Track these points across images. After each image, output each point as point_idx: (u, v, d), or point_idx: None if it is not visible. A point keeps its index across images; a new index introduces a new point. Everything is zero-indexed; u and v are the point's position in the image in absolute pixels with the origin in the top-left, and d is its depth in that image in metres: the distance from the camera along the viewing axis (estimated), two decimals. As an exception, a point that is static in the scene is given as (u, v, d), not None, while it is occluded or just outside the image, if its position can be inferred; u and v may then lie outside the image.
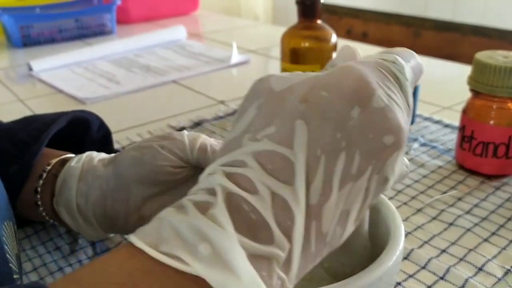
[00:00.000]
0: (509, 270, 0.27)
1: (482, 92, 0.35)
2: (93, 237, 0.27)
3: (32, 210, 0.28)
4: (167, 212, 0.14)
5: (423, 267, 0.27)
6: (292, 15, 0.53)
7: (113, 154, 0.27)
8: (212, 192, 0.14)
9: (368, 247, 0.22)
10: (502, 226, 0.31)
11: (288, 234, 0.14)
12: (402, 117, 0.15)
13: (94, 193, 0.25)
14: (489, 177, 0.36)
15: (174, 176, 0.25)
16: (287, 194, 0.14)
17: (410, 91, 0.17)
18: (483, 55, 0.35)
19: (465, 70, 0.61)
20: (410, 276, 0.27)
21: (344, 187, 0.14)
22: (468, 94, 0.37)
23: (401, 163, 0.16)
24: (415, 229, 0.31)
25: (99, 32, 0.87)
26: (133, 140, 0.45)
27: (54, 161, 0.28)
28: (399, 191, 0.35)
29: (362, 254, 0.22)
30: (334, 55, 0.50)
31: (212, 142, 0.25)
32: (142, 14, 0.98)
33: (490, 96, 0.35)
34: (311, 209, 0.14)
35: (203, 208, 0.13)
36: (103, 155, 0.27)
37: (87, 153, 0.27)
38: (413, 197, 0.34)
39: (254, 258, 0.13)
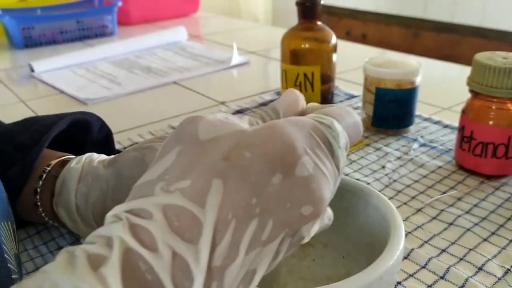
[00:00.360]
0: (509, 269, 0.27)
1: (481, 93, 0.35)
2: None
3: (32, 211, 0.28)
4: (56, 265, 0.12)
5: (423, 267, 0.27)
6: (292, 17, 0.54)
7: (113, 156, 0.27)
8: (110, 243, 0.13)
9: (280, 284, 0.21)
10: (501, 226, 0.31)
11: None
12: (325, 186, 0.15)
13: (94, 194, 0.25)
14: (489, 177, 0.36)
15: None
16: (189, 255, 0.13)
17: (341, 157, 0.16)
18: (482, 56, 0.35)
19: (465, 71, 0.61)
20: (411, 275, 0.27)
21: (251, 252, 0.14)
22: (467, 95, 0.37)
23: (321, 222, 0.16)
24: (415, 229, 0.31)
25: (100, 33, 0.88)
26: (134, 141, 0.45)
27: (54, 162, 0.28)
28: (399, 191, 0.35)
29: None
30: (334, 56, 0.50)
31: None
32: (142, 16, 0.99)
33: (489, 97, 0.35)
34: (213, 271, 0.13)
35: (96, 263, 0.12)
36: (103, 156, 0.27)
37: (87, 154, 0.28)
38: (413, 197, 0.35)
39: None
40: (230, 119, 0.16)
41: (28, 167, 0.27)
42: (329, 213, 0.17)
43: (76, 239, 0.30)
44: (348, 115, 0.18)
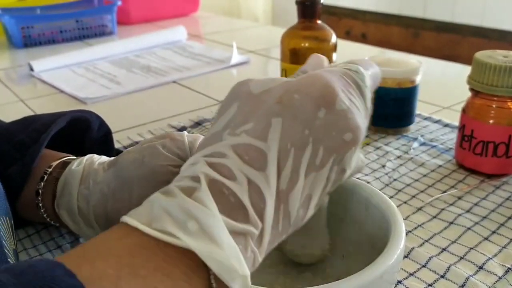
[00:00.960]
0: (509, 268, 0.27)
1: (482, 92, 0.35)
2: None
3: (33, 212, 0.28)
4: (156, 196, 0.16)
5: (424, 266, 0.27)
6: (291, 16, 0.53)
7: (113, 158, 0.27)
8: (196, 179, 0.16)
9: (326, 231, 0.23)
10: (502, 225, 0.31)
11: (261, 214, 0.16)
12: (360, 118, 0.18)
13: (95, 197, 0.25)
14: (489, 176, 0.36)
15: (175, 175, 0.25)
16: (261, 181, 0.16)
17: (369, 96, 0.20)
18: (483, 55, 0.35)
19: (465, 70, 0.61)
20: (411, 274, 0.27)
21: (308, 176, 0.17)
22: (467, 94, 0.37)
23: (358, 157, 0.19)
24: (415, 228, 0.31)
25: (100, 33, 0.88)
26: (133, 140, 0.45)
27: (55, 163, 0.28)
28: (399, 190, 0.35)
29: (320, 237, 0.23)
30: (334, 55, 0.50)
31: None
32: (142, 15, 0.99)
33: (490, 96, 0.35)
34: (280, 194, 0.16)
35: (189, 192, 0.15)
36: (104, 158, 0.27)
37: (88, 156, 0.28)
38: (413, 196, 0.34)
39: (234, 234, 0.15)
40: (275, 77, 0.19)
41: (28, 166, 0.27)
42: (361, 156, 0.20)
43: (76, 239, 0.30)
44: (368, 63, 0.21)
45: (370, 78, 0.20)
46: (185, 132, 0.26)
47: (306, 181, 0.17)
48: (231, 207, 0.15)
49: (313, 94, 0.17)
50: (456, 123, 0.41)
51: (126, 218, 0.15)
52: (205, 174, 0.16)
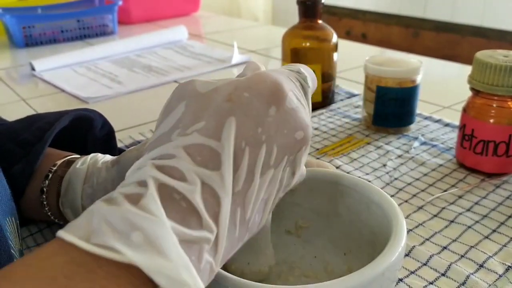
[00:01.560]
0: (510, 267, 0.27)
1: (482, 91, 0.35)
2: None
3: (37, 210, 0.28)
4: (97, 205, 0.14)
5: (425, 264, 0.27)
6: (291, 16, 0.54)
7: (116, 156, 0.27)
8: (142, 184, 0.14)
9: (271, 246, 0.23)
10: (502, 223, 0.31)
11: (215, 218, 0.15)
12: (307, 117, 0.18)
13: (99, 195, 0.25)
14: (490, 175, 0.36)
15: None
16: (215, 182, 0.15)
17: (310, 96, 0.20)
18: (483, 54, 0.35)
19: (465, 70, 0.61)
20: (412, 272, 0.27)
21: (264, 175, 0.16)
22: (467, 94, 0.37)
23: (303, 163, 0.19)
24: (416, 227, 0.31)
25: (101, 32, 0.88)
26: (135, 139, 0.45)
27: (59, 162, 0.28)
28: (400, 189, 0.35)
29: (266, 253, 0.22)
30: (335, 55, 0.50)
31: None
32: (143, 15, 0.99)
33: (490, 95, 0.35)
34: (236, 196, 0.16)
35: (135, 199, 0.14)
36: (107, 157, 0.28)
37: (92, 155, 0.28)
38: (414, 195, 0.35)
39: (185, 243, 0.14)
40: (219, 79, 0.18)
41: (32, 164, 0.27)
42: (303, 167, 0.20)
43: (78, 237, 0.30)
44: (305, 67, 0.21)
45: (310, 80, 0.20)
46: None
47: (261, 181, 0.16)
48: (182, 213, 0.14)
49: (263, 92, 0.17)
50: (457, 122, 0.41)
51: (61, 233, 0.13)
52: (153, 178, 0.14)
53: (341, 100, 0.54)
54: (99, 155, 0.28)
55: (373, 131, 0.45)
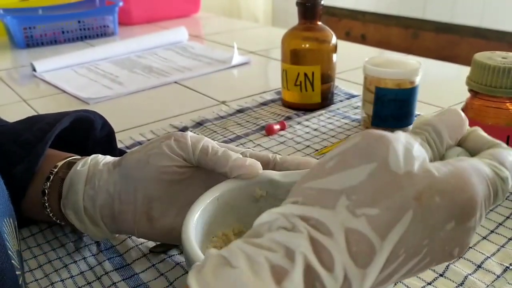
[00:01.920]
0: (507, 267, 0.27)
1: (480, 92, 0.35)
2: (99, 237, 0.28)
3: (39, 211, 0.28)
4: (240, 271, 0.13)
5: (423, 264, 0.27)
6: (291, 17, 0.54)
7: (118, 158, 0.27)
8: (291, 256, 0.13)
9: None
10: (500, 224, 0.31)
11: None
12: (472, 237, 0.17)
13: (101, 197, 0.26)
14: (488, 176, 0.37)
15: (179, 176, 0.25)
16: (356, 280, 0.14)
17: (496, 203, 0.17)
18: (481, 56, 0.36)
19: (464, 70, 0.61)
20: (410, 273, 0.27)
21: (399, 278, 0.15)
22: (466, 95, 0.37)
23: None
24: (415, 227, 0.31)
25: (102, 33, 0.88)
26: (136, 140, 0.45)
27: (60, 163, 0.28)
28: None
29: None
30: (334, 56, 0.50)
31: (214, 144, 0.25)
32: (144, 16, 0.99)
33: (488, 96, 0.35)
34: None
35: (279, 275, 0.13)
36: (108, 158, 0.28)
37: (93, 156, 0.28)
38: (413, 196, 0.35)
39: None
40: (413, 149, 0.16)
41: (33, 165, 0.28)
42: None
43: (79, 237, 0.31)
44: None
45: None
46: (189, 133, 0.26)
47: (392, 280, 0.15)
48: None
49: (456, 204, 0.15)
50: (455, 123, 0.41)
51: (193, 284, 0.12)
52: (304, 257, 0.13)
53: (341, 101, 0.54)
54: (100, 156, 0.28)
55: (372, 132, 0.45)
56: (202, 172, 0.26)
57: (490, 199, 0.16)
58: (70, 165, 0.28)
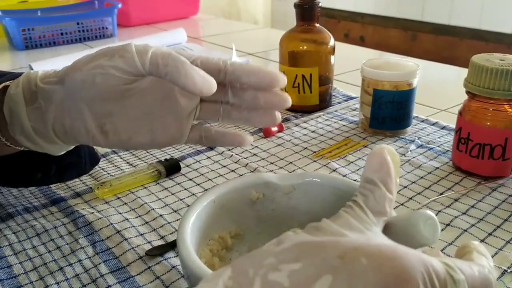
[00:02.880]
0: (505, 270, 0.27)
1: (478, 95, 0.35)
2: (58, 152, 0.28)
3: None
4: None
5: (420, 267, 0.27)
6: (290, 19, 0.54)
7: (57, 72, 0.26)
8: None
9: None
10: (498, 227, 0.31)
11: None
12: None
13: (51, 116, 0.25)
14: (486, 178, 0.37)
15: (129, 92, 0.25)
16: None
17: None
18: (479, 58, 0.36)
19: (462, 73, 0.61)
20: (407, 276, 0.27)
21: None
22: (464, 97, 0.37)
23: None
24: (412, 230, 0.31)
25: (100, 35, 0.88)
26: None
27: None
28: (397, 192, 0.35)
29: None
30: (332, 58, 0.50)
31: (163, 51, 0.24)
32: (142, 18, 0.99)
33: (486, 99, 0.35)
34: None
35: None
36: (41, 73, 0.26)
37: (24, 74, 0.26)
38: (410, 198, 0.35)
39: None
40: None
41: None
42: None
43: (75, 240, 0.30)
44: (483, 281, 0.16)
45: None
46: (132, 44, 0.24)
47: None
48: None
49: (386, 271, 0.14)
50: (453, 125, 0.41)
51: None
52: None
53: (339, 103, 0.54)
54: (31, 72, 0.26)
55: (370, 134, 0.45)
56: (155, 80, 0.25)
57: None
58: (4, 90, 0.26)
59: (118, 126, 0.26)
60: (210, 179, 0.38)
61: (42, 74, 0.26)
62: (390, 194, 0.18)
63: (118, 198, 0.36)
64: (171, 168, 0.39)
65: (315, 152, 0.42)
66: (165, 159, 0.40)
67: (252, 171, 0.39)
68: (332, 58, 0.50)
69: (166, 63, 0.23)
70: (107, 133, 0.25)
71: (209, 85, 0.23)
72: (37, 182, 0.32)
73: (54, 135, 0.26)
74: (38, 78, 0.26)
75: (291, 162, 0.41)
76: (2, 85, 0.27)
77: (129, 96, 0.25)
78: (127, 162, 0.41)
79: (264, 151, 0.43)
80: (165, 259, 0.28)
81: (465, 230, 0.31)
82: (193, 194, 0.36)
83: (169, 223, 0.32)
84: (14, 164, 0.30)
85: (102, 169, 0.40)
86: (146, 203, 0.35)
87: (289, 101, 0.26)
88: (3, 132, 0.27)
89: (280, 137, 0.45)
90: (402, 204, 0.34)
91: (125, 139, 0.26)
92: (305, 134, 0.46)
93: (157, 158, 0.42)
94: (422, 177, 0.37)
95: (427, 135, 0.45)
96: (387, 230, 0.17)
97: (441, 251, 0.29)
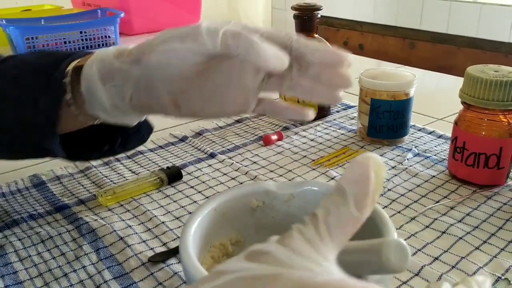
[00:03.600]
0: (499, 277, 0.27)
1: (473, 105, 0.36)
2: (133, 123, 0.30)
3: (73, 122, 0.28)
4: None
5: (416, 274, 0.28)
6: (290, 28, 0.55)
7: (131, 49, 0.27)
8: None
9: None
10: (493, 234, 0.32)
11: None
12: None
13: (128, 93, 0.27)
14: (481, 187, 0.37)
15: (201, 71, 0.26)
16: None
17: None
18: (474, 69, 0.37)
19: (458, 82, 0.62)
20: (404, 283, 0.27)
21: None
22: (460, 106, 0.38)
23: None
24: (408, 237, 0.31)
25: (103, 43, 0.89)
26: (137, 149, 0.45)
27: (69, 69, 0.27)
28: (393, 200, 0.36)
29: None
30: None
31: (233, 31, 0.24)
32: (144, 26, 1.00)
33: (481, 109, 0.36)
34: None
35: None
36: (114, 50, 0.27)
37: (96, 53, 0.28)
38: (407, 206, 0.35)
39: None
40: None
41: (58, 93, 0.27)
42: None
43: (79, 246, 0.31)
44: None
45: None
46: (203, 25, 0.24)
47: None
48: None
49: None
50: (449, 134, 0.42)
51: None
52: None
53: (337, 111, 0.55)
54: (102, 51, 0.28)
55: (368, 142, 0.46)
56: (226, 58, 0.26)
57: None
58: (77, 70, 0.27)
59: (190, 101, 0.27)
60: (211, 187, 0.39)
61: (117, 52, 0.27)
62: (359, 213, 0.15)
63: (121, 205, 0.36)
64: (173, 175, 0.39)
65: (314, 160, 0.43)
66: (167, 167, 0.41)
67: (252, 179, 0.40)
68: (331, 68, 0.51)
69: (237, 44, 0.23)
70: (180, 107, 0.27)
71: (282, 61, 0.23)
72: (104, 154, 0.33)
73: (132, 109, 0.28)
74: (113, 56, 0.27)
75: (290, 170, 0.41)
76: (73, 65, 0.28)
77: (202, 74, 0.26)
78: (130, 170, 0.42)
79: (264, 159, 0.44)
80: (168, 266, 0.29)
81: (461, 238, 0.31)
82: (195, 202, 0.37)
83: (171, 230, 0.33)
84: (84, 137, 0.31)
85: (106, 176, 0.41)
86: (148, 210, 0.35)
87: (351, 82, 0.27)
88: (81, 108, 0.28)
89: (279, 145, 0.46)
90: (399, 212, 0.35)
91: (196, 112, 0.28)
92: (304, 143, 0.47)
93: (159, 166, 0.43)
94: (418, 185, 0.38)
95: (424, 143, 0.46)
96: (351, 255, 0.16)
97: (437, 258, 0.29)
